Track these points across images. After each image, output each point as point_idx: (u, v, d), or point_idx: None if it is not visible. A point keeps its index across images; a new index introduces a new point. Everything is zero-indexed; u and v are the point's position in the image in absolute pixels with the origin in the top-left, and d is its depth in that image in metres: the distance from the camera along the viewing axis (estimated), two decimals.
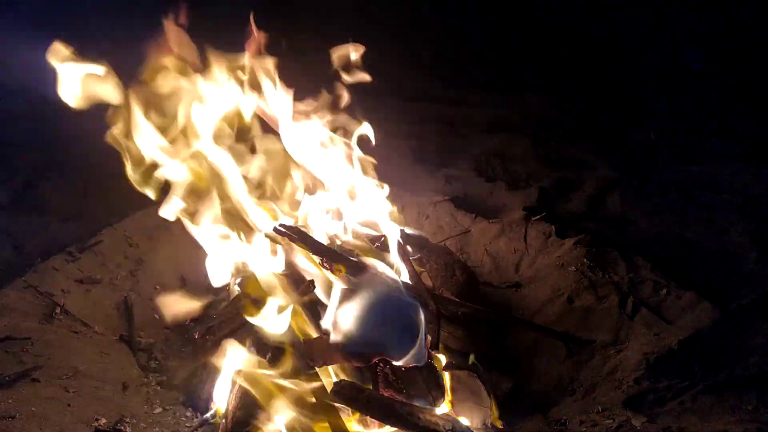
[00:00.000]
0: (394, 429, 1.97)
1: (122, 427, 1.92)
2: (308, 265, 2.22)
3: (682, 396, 2.04)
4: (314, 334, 2.08)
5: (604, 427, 1.93)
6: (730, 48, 5.26)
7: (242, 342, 2.18)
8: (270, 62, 2.42)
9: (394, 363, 2.06)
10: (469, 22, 5.63)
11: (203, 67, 2.34)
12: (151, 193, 2.23)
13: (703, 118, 4.49)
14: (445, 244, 2.84)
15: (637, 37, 5.56)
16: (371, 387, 2.03)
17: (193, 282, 2.70)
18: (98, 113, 4.21)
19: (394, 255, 2.37)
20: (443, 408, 2.10)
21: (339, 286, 2.10)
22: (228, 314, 2.20)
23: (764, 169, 3.65)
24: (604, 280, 2.60)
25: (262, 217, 2.34)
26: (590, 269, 2.66)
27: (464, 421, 2.06)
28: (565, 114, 4.58)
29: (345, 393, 1.96)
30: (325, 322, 2.05)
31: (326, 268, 2.18)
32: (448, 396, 2.14)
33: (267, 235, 2.26)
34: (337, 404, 1.94)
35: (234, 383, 1.98)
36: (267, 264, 2.39)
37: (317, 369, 2.02)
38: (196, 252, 2.82)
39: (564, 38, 5.67)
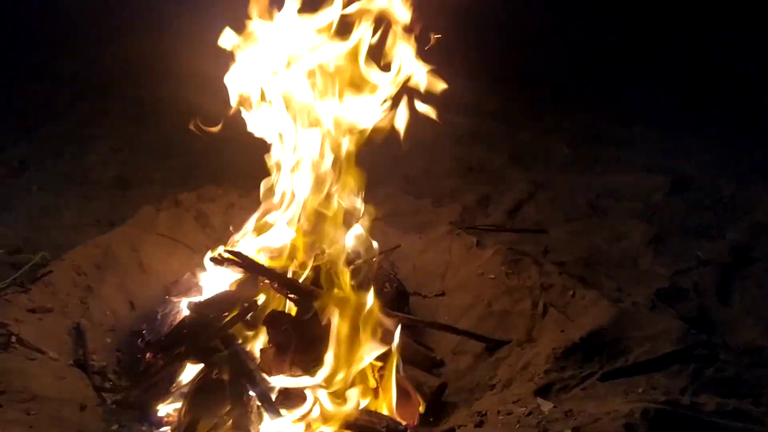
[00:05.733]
0: None
1: None
2: None
3: (583, 383, 2.34)
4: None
5: (517, 414, 2.22)
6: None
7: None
8: None
9: None
10: None
11: None
12: None
13: (610, 130, 4.92)
14: (377, 259, 3.09)
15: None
16: None
17: (142, 306, 2.86)
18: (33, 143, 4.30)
19: None
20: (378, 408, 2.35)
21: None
22: (178, 333, 2.38)
23: (661, 177, 4.08)
24: (518, 286, 2.90)
25: None
26: (507, 276, 2.96)
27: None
28: (486, 131, 4.93)
29: None
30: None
31: (278, 292, 2.40)
32: (382, 397, 2.38)
33: (212, 261, 2.46)
34: None
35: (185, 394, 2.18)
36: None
37: None
38: (144, 278, 3.00)
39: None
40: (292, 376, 2.21)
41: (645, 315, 2.67)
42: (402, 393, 2.35)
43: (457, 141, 4.71)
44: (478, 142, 4.77)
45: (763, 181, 3.99)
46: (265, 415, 2.14)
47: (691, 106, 5.18)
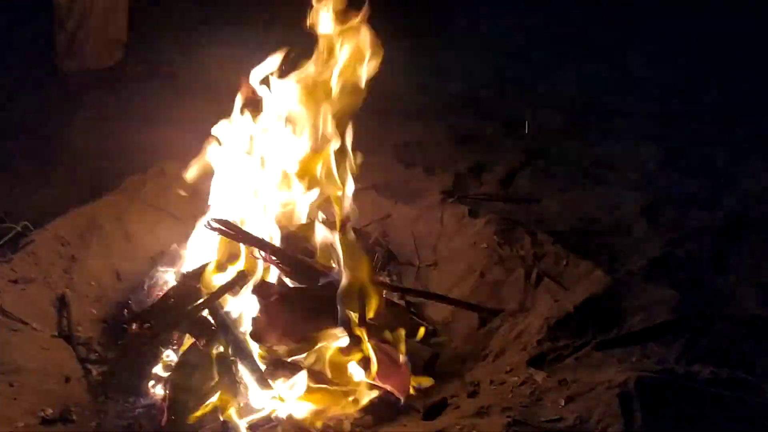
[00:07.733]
0: None
1: (68, 416, 2.05)
2: None
3: (577, 353, 2.32)
4: None
5: (510, 384, 2.19)
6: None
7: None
8: None
9: None
10: None
11: None
12: None
13: (603, 99, 4.85)
14: (367, 228, 3.04)
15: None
16: None
17: (128, 276, 2.81)
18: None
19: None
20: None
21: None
22: (165, 303, 2.34)
23: (655, 146, 4.03)
24: (511, 255, 2.86)
25: None
26: (500, 246, 2.91)
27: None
28: (479, 100, 4.85)
29: None
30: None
31: (266, 261, 2.35)
32: (374, 367, 2.35)
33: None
34: None
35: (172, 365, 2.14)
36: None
37: None
38: (129, 248, 2.94)
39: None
40: (284, 346, 2.17)
41: (639, 284, 2.63)
42: (392, 364, 2.33)
43: (449, 109, 4.64)
44: (471, 110, 4.69)
45: (757, 149, 3.95)
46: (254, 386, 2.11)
47: (683, 74, 5.12)
